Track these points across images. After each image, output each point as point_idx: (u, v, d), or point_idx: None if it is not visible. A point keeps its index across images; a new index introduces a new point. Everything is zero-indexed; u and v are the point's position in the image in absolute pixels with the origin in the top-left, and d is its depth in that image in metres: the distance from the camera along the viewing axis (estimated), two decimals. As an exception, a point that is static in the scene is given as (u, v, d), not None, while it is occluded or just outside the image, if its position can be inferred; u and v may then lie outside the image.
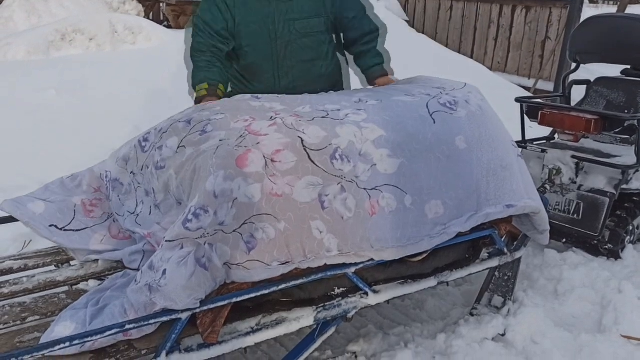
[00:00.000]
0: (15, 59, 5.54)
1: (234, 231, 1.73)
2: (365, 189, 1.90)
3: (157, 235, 1.97)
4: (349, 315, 2.00)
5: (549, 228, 2.39)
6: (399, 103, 2.14)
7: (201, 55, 2.42)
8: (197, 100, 2.35)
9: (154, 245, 1.96)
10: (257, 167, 1.78)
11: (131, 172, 2.17)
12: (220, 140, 1.86)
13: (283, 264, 1.79)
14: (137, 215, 2.11)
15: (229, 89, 2.54)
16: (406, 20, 8.89)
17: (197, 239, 1.71)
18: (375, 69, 2.55)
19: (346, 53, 2.68)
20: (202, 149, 1.87)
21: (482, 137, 2.15)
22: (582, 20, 3.83)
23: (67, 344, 1.48)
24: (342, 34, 2.61)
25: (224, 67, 2.44)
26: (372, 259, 1.93)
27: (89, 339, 1.53)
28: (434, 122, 2.09)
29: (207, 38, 2.41)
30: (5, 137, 4.09)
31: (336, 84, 2.65)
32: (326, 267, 1.89)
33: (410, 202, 1.97)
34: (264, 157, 1.80)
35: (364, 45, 2.55)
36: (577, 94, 3.76)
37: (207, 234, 1.72)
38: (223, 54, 2.45)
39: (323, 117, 2.01)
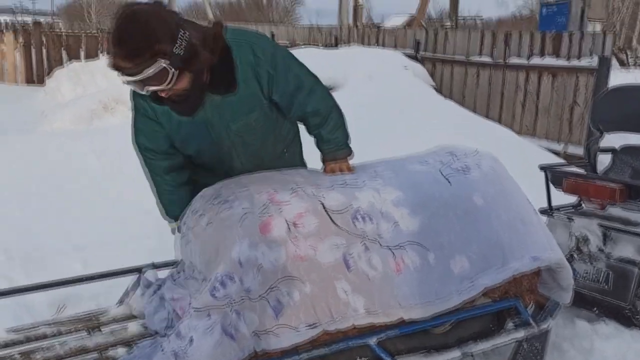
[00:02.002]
0: (61, 129, 5.85)
1: (260, 297, 1.79)
2: (388, 247, 1.96)
3: (181, 300, 2.03)
4: (372, 386, 2.00)
5: (572, 283, 2.38)
6: (413, 172, 2.22)
7: (160, 180, 2.32)
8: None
9: (177, 310, 2.02)
10: (279, 231, 1.86)
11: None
12: (243, 209, 1.95)
13: (311, 326, 1.83)
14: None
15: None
16: (433, 87, 9.07)
17: (223, 306, 1.77)
18: (324, 153, 2.34)
19: None
20: (225, 219, 1.96)
21: (498, 195, 2.21)
22: (609, 85, 3.88)
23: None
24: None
25: (187, 179, 2.35)
26: (401, 319, 1.95)
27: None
28: (450, 184, 2.16)
29: (156, 161, 2.27)
30: (47, 202, 4.28)
31: (295, 136, 2.49)
32: (348, 337, 1.91)
33: (433, 258, 2.02)
34: (286, 221, 1.88)
35: (310, 128, 2.31)
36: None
37: (234, 301, 1.78)
38: (180, 161, 2.31)
39: (342, 186, 2.10)
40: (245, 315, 1.77)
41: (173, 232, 2.40)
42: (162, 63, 1.81)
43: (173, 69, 1.85)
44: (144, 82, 1.85)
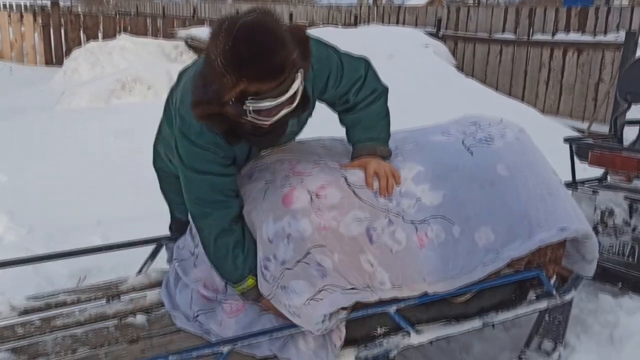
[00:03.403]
0: (79, 107, 5.88)
1: (299, 262, 1.79)
2: (412, 222, 1.92)
3: (209, 278, 2.03)
4: (391, 355, 1.98)
5: (597, 255, 2.32)
6: (435, 143, 2.16)
7: (228, 239, 1.86)
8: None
9: (197, 286, 2.02)
10: (302, 202, 1.83)
11: None
12: (265, 182, 1.93)
13: (352, 289, 1.83)
14: (197, 257, 2.16)
15: None
16: (455, 65, 8.94)
17: (274, 288, 1.80)
18: (362, 143, 2.01)
19: None
20: (246, 192, 1.93)
21: (523, 164, 2.15)
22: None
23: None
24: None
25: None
26: (425, 293, 1.92)
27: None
28: (472, 154, 2.11)
29: (229, 208, 1.86)
30: (67, 180, 4.32)
31: None
32: (367, 305, 1.89)
33: (458, 231, 1.97)
34: (309, 192, 1.84)
35: (355, 107, 1.99)
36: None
37: (277, 278, 1.80)
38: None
39: None
40: (291, 286, 1.77)
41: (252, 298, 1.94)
42: (299, 76, 1.57)
43: (303, 84, 1.60)
44: (281, 106, 1.58)
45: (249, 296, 1.90)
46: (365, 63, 1.99)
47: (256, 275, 1.86)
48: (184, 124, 1.76)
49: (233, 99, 1.53)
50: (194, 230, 2.18)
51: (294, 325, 1.78)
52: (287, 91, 1.54)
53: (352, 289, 1.83)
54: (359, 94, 1.96)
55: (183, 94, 1.78)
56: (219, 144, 1.76)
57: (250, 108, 1.54)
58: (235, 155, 1.86)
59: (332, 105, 2.01)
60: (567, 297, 2.38)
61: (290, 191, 1.85)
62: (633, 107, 3.59)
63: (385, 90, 2.03)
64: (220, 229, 1.81)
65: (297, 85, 1.56)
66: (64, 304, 2.17)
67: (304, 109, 1.72)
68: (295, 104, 1.61)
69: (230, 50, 1.47)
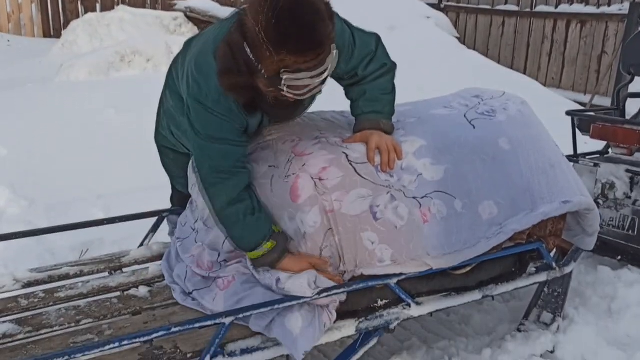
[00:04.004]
0: (78, 80, 5.83)
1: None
2: (415, 197, 1.92)
3: (199, 257, 2.04)
4: (391, 327, 2.00)
5: (598, 229, 2.34)
6: (437, 116, 2.15)
7: (239, 206, 1.82)
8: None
9: (191, 265, 2.03)
10: (309, 191, 1.84)
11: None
12: (269, 167, 1.93)
13: (342, 274, 1.88)
14: (197, 232, 2.16)
15: None
16: (457, 37, 8.84)
17: None
18: (366, 115, 1.99)
19: None
20: (255, 177, 1.93)
21: (525, 138, 2.15)
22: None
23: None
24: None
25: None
26: (430, 268, 1.93)
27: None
28: (474, 128, 2.10)
29: (242, 174, 1.84)
30: (67, 153, 4.31)
31: None
32: (368, 277, 1.91)
33: (460, 206, 1.97)
34: (312, 178, 1.85)
35: (365, 80, 1.98)
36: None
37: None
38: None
39: None
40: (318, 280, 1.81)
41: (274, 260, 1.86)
42: (334, 50, 1.59)
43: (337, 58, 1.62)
44: (314, 80, 1.59)
45: (264, 261, 1.84)
46: (377, 38, 1.98)
47: (271, 240, 1.82)
48: (200, 92, 1.73)
49: (270, 72, 1.53)
50: (194, 205, 2.19)
51: (296, 298, 1.78)
52: (322, 65, 1.55)
53: (340, 273, 1.88)
54: (368, 68, 1.95)
55: (199, 61, 1.75)
56: (235, 113, 1.75)
57: (285, 82, 1.55)
58: (248, 125, 1.85)
59: (340, 79, 1.99)
60: (567, 270, 2.40)
61: (295, 182, 1.85)
62: (637, 79, 3.57)
63: (394, 66, 2.02)
64: (231, 197, 1.80)
65: (330, 60, 1.57)
66: (67, 277, 2.18)
67: (324, 83, 1.71)
68: (325, 78, 1.62)
69: (274, 23, 1.47)
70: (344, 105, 2.13)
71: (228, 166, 1.79)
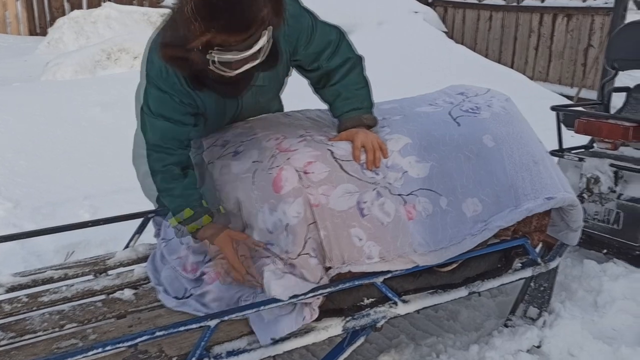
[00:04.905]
0: (64, 79, 5.79)
1: (299, 255, 1.81)
2: (400, 194, 1.92)
3: (186, 259, 2.04)
4: (378, 325, 2.00)
5: (582, 224, 2.36)
6: (422, 114, 2.16)
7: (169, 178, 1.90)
8: (195, 234, 1.94)
9: (178, 267, 2.03)
10: (292, 182, 1.82)
11: None
12: (253, 162, 1.92)
13: (327, 269, 1.86)
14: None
15: None
16: (444, 32, 8.85)
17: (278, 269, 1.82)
18: (347, 114, 2.00)
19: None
20: (237, 174, 1.93)
21: (509, 135, 2.16)
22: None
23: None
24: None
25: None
26: (416, 265, 1.93)
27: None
28: (459, 125, 2.11)
29: (174, 156, 1.89)
30: (53, 152, 4.27)
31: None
32: (354, 276, 1.91)
33: (445, 203, 1.98)
34: (296, 170, 1.84)
35: (334, 81, 1.99)
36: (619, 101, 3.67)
37: (283, 259, 1.83)
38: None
39: None
40: (296, 271, 1.80)
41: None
42: (267, 33, 1.59)
43: (271, 39, 1.62)
44: (245, 60, 1.60)
45: (201, 235, 1.91)
46: (338, 31, 1.99)
47: (212, 215, 1.91)
48: (152, 67, 1.79)
49: (199, 47, 1.55)
50: None
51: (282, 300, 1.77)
52: (252, 47, 1.57)
53: (327, 269, 1.86)
54: (332, 61, 1.96)
55: (155, 39, 1.80)
56: (179, 89, 1.79)
57: (215, 58, 1.56)
58: (205, 107, 1.88)
59: (302, 68, 2.01)
60: (552, 265, 2.41)
61: (278, 173, 1.84)
62: (622, 73, 3.58)
63: (359, 59, 2.02)
64: (154, 169, 1.89)
65: (263, 42, 1.58)
66: (50, 280, 2.17)
67: (273, 63, 1.74)
68: (259, 60, 1.63)
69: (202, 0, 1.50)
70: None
71: (161, 142, 1.85)
